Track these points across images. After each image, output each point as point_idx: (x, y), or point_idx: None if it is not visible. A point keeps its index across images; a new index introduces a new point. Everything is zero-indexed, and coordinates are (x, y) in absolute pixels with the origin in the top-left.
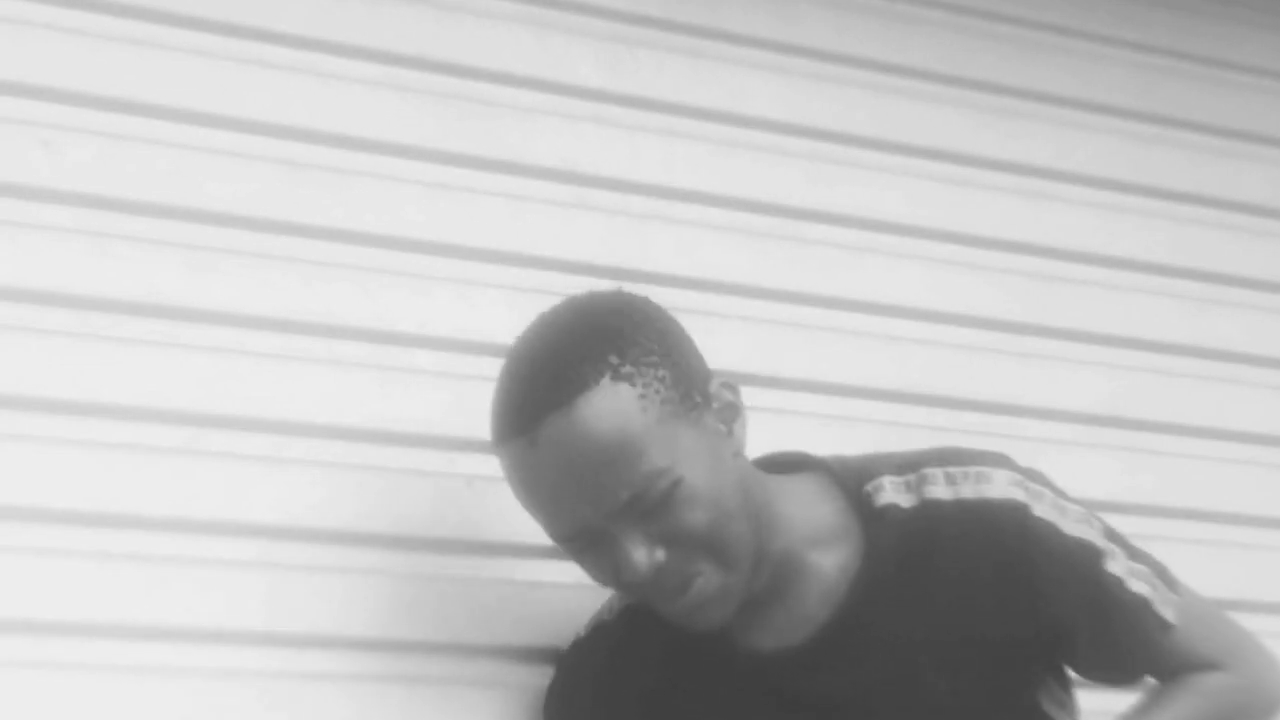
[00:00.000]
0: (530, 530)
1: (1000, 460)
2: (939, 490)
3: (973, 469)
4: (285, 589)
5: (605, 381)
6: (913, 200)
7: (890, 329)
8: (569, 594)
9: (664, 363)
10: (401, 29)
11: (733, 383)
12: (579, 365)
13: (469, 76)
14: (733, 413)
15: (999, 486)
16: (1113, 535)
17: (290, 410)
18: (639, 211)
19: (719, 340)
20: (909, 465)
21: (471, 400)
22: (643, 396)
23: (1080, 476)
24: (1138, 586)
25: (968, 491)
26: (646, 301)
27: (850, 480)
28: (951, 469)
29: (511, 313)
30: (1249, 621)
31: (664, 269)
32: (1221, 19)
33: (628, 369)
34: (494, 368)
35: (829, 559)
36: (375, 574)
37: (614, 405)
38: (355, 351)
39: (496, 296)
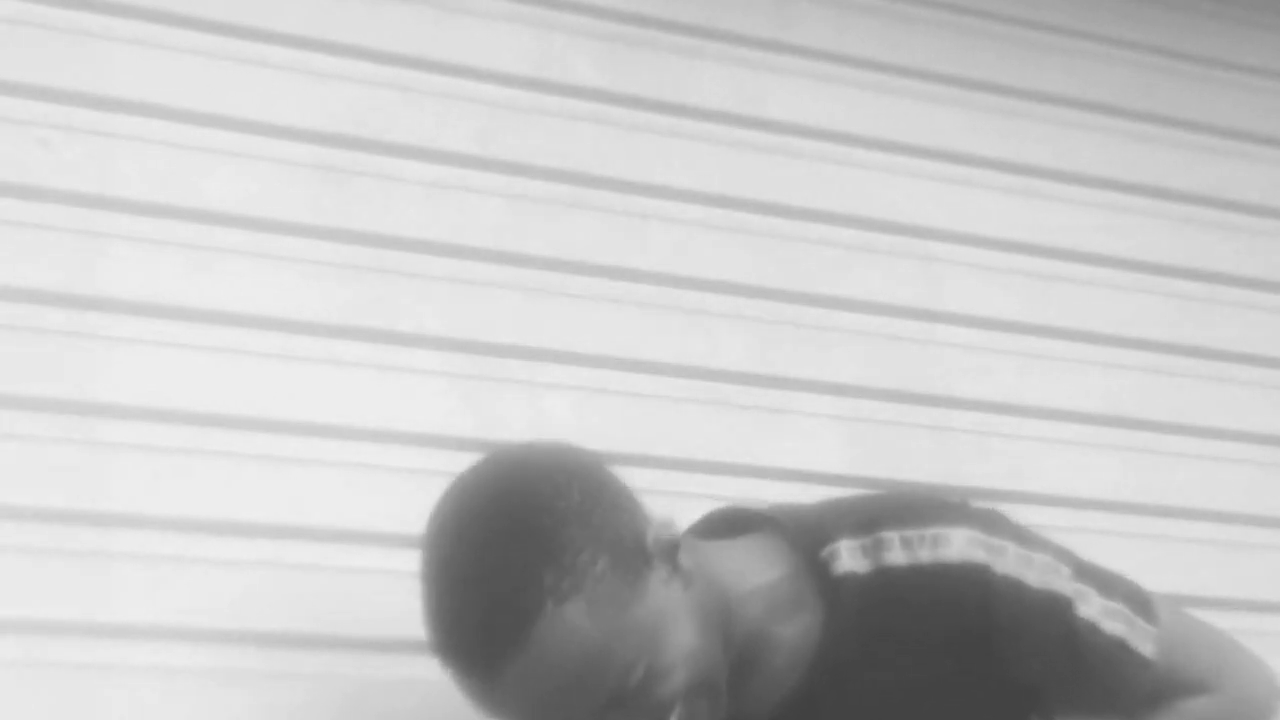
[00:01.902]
0: None
1: (959, 516)
2: (895, 556)
3: (929, 531)
4: (285, 589)
5: (549, 608)
6: (913, 200)
7: (890, 329)
8: None
9: (599, 553)
10: (401, 29)
11: (666, 520)
12: (519, 599)
13: (469, 76)
14: (673, 548)
15: (957, 548)
16: (1083, 573)
17: (290, 410)
18: (639, 211)
19: (719, 340)
20: (865, 526)
21: (471, 400)
22: (591, 606)
23: (1080, 476)
24: (1112, 627)
25: (925, 556)
26: (557, 469)
27: (804, 542)
28: (908, 532)
29: (511, 312)
30: (1249, 622)
31: (664, 269)
32: (1221, 19)
33: (567, 583)
34: (494, 368)
35: (790, 629)
36: (375, 574)
37: (567, 630)
38: (355, 351)
39: (496, 296)
